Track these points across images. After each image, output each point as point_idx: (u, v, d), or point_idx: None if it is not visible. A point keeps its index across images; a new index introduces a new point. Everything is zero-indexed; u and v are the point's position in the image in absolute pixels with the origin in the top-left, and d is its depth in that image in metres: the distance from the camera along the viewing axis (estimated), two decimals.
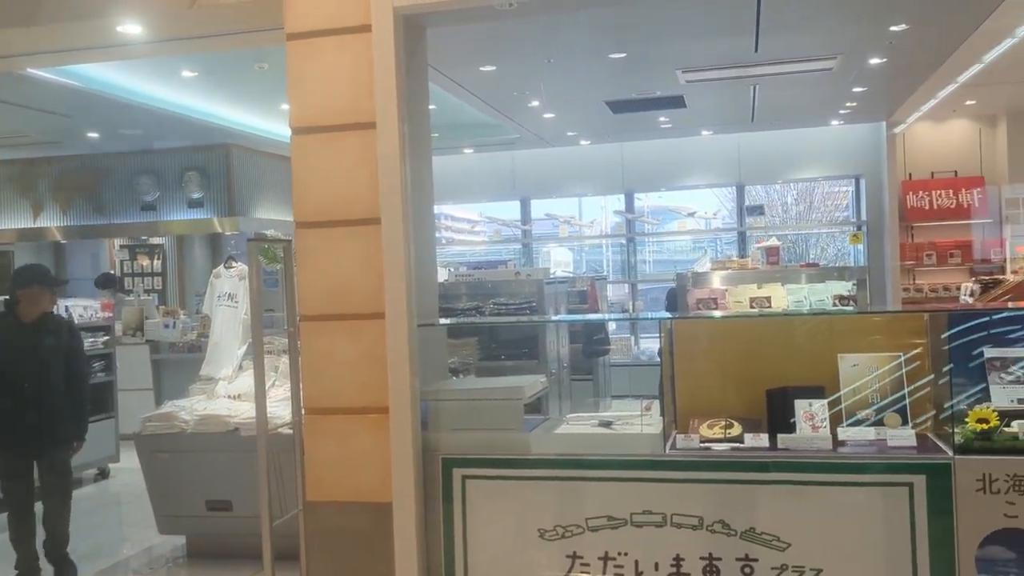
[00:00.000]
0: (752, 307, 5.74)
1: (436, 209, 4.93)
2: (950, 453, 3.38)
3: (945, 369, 3.58)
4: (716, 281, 7.19)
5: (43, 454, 5.32)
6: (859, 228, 12.23)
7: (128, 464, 7.89)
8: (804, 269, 7.73)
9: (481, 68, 7.72)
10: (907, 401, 3.64)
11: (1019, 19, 6.95)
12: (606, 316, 11.18)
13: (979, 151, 11.44)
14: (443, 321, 4.96)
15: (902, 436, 3.52)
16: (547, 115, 10.04)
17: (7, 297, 5.39)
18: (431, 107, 4.40)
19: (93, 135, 10.96)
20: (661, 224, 14.08)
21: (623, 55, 7.57)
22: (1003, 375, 3.57)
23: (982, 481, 3.29)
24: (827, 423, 3.60)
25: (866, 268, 10.97)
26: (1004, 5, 6.44)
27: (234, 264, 7.86)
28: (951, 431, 3.44)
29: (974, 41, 7.44)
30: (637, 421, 4.03)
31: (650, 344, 12.36)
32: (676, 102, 9.49)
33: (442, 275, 8.89)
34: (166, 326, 10.27)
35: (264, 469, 3.92)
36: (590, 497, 3.66)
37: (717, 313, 5.68)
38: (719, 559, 3.51)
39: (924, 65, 8.30)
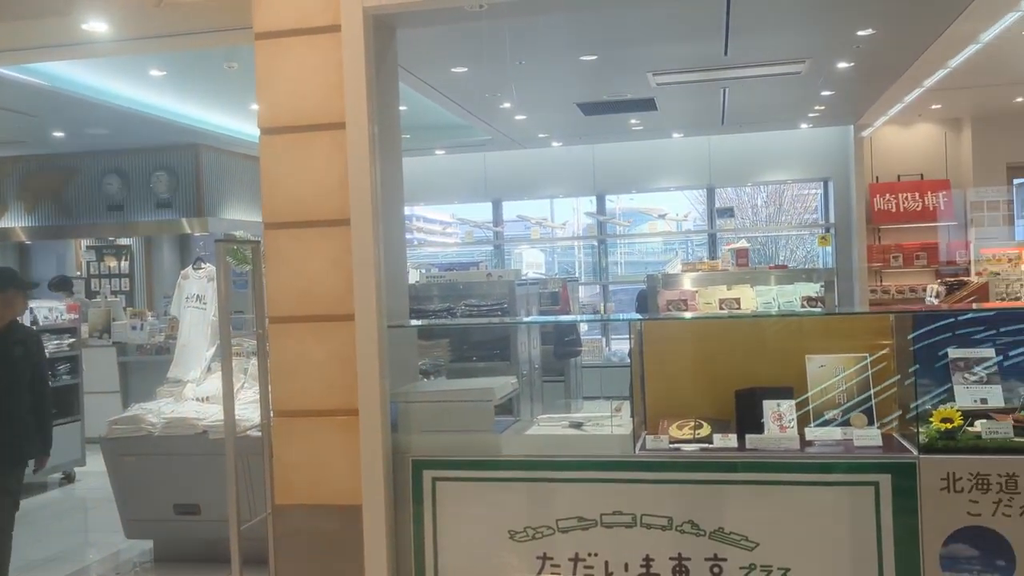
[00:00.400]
0: (722, 308, 5.77)
1: (407, 210, 4.92)
2: (915, 452, 3.41)
3: (910, 370, 3.61)
4: (686, 283, 7.23)
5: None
6: (827, 230, 12.35)
7: (94, 468, 7.81)
8: (773, 271, 7.81)
9: (452, 69, 7.72)
10: (873, 401, 3.67)
11: (983, 25, 7.04)
12: (577, 317, 11.22)
13: (944, 155, 11.59)
14: (413, 322, 4.95)
15: (868, 436, 3.55)
16: (519, 117, 10.06)
17: None
18: (402, 108, 4.39)
19: (59, 134, 10.83)
20: (632, 226, 14.14)
21: (594, 57, 7.60)
22: (967, 375, 3.61)
23: (946, 480, 3.32)
24: (795, 423, 3.62)
25: (834, 270, 11.17)
26: (968, 11, 6.54)
27: (203, 265, 7.79)
28: (916, 431, 3.48)
29: (939, 46, 7.54)
30: (607, 422, 4.04)
31: (621, 345, 12.42)
32: (647, 104, 9.55)
33: (413, 276, 8.86)
34: (133, 328, 10.17)
35: (232, 472, 3.88)
36: (560, 498, 3.65)
37: (687, 314, 5.70)
38: (688, 559, 3.52)
39: (891, 69, 8.41)
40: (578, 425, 4.10)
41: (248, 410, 5.23)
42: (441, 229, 14.66)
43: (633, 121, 10.64)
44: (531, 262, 14.96)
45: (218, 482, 4.57)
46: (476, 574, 3.73)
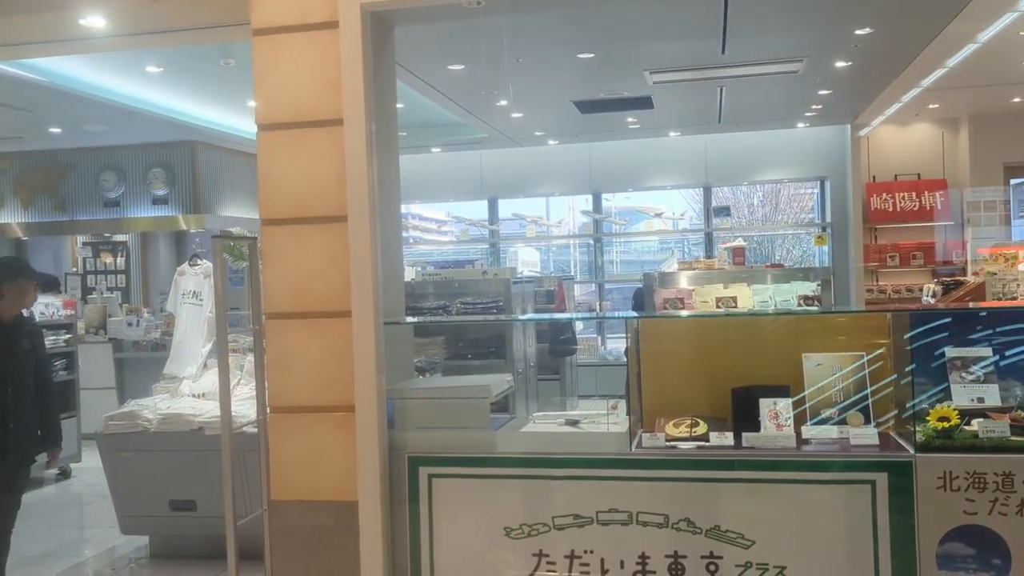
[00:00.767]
0: (718, 307, 5.78)
1: (403, 208, 4.91)
2: (911, 451, 3.41)
3: (907, 369, 3.61)
4: (683, 281, 7.23)
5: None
6: (824, 229, 12.36)
7: (90, 464, 7.81)
8: (769, 269, 7.81)
9: (449, 67, 7.71)
10: (870, 400, 3.67)
11: (981, 25, 7.05)
12: (573, 316, 11.20)
13: (941, 154, 11.60)
14: (409, 320, 4.94)
15: (865, 435, 3.55)
16: (515, 115, 10.05)
17: None
18: (399, 105, 4.38)
19: (55, 130, 10.81)
20: (628, 224, 14.15)
21: (591, 55, 7.59)
22: (964, 374, 3.62)
23: (943, 479, 3.33)
24: (791, 422, 3.62)
25: (830, 269, 11.15)
26: (966, 11, 6.53)
27: (199, 262, 7.78)
28: (913, 429, 3.48)
29: (937, 46, 7.54)
30: (603, 420, 4.02)
31: (617, 344, 12.41)
32: (644, 103, 9.55)
33: (409, 274, 8.85)
34: (129, 324, 10.17)
35: (228, 468, 3.88)
36: (556, 496, 3.65)
37: (683, 313, 5.70)
38: (684, 557, 3.52)
39: (888, 69, 8.41)
40: (574, 423, 4.09)
41: (244, 406, 5.23)
42: (437, 227, 14.65)
43: (630, 119, 10.63)
44: (527, 260, 14.94)
45: (214, 478, 4.58)
46: (472, 571, 3.73)
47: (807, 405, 3.69)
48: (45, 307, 8.38)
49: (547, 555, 3.65)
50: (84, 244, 13.23)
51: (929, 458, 3.36)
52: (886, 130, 11.69)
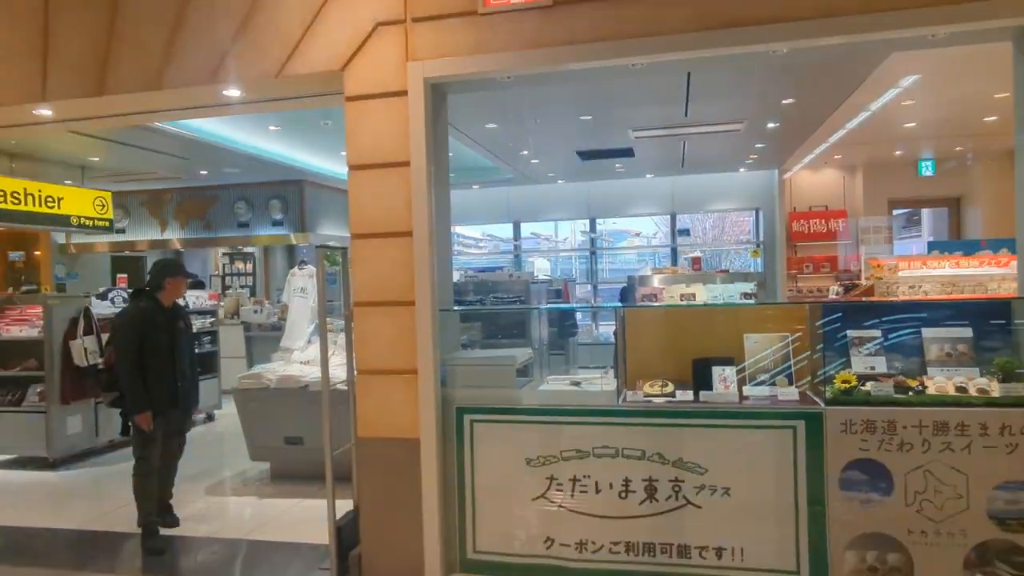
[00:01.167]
0: (681, 301, 5.71)
1: (452, 229, 4.88)
2: (822, 405, 3.39)
3: (819, 346, 3.59)
4: (656, 282, 7.16)
5: (180, 418, 4.80)
6: (758, 246, 12.24)
7: (228, 411, 7.88)
8: (719, 274, 7.73)
9: (486, 125, 7.71)
10: (792, 368, 3.65)
11: (871, 97, 6.99)
12: (575, 307, 11.17)
13: (843, 192, 11.47)
14: (457, 308, 4.95)
15: (789, 393, 3.54)
16: (533, 161, 10.04)
17: (143, 288, 4.72)
18: (450, 153, 4.39)
19: (203, 172, 10.93)
20: (615, 242, 14.06)
21: (590, 117, 7.57)
22: (860, 350, 3.58)
23: (844, 425, 3.30)
24: (735, 384, 3.61)
25: (763, 274, 11.09)
26: (861, 87, 6.48)
27: (305, 266, 7.84)
28: (823, 390, 3.45)
29: (840, 113, 7.48)
30: (598, 382, 4.02)
31: (607, 328, 12.36)
32: (627, 152, 9.51)
33: (456, 276, 8.87)
34: (255, 311, 10.25)
35: (327, 414, 3.91)
36: (563, 435, 3.65)
37: (656, 305, 5.66)
38: (656, 480, 3.51)
39: (805, 129, 8.33)
40: (577, 384, 4.09)
41: (338, 371, 5.20)
42: (475, 243, 14.65)
43: (617, 164, 10.59)
44: (541, 268, 14.89)
45: (316, 421, 4.61)
46: (501, 490, 3.74)
47: (747, 372, 3.68)
48: (196, 298, 8.48)
49: (556, 479, 3.65)
50: (223, 254, 13.37)
51: (835, 410, 3.33)
52: (804, 173, 11.57)
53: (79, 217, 9.59)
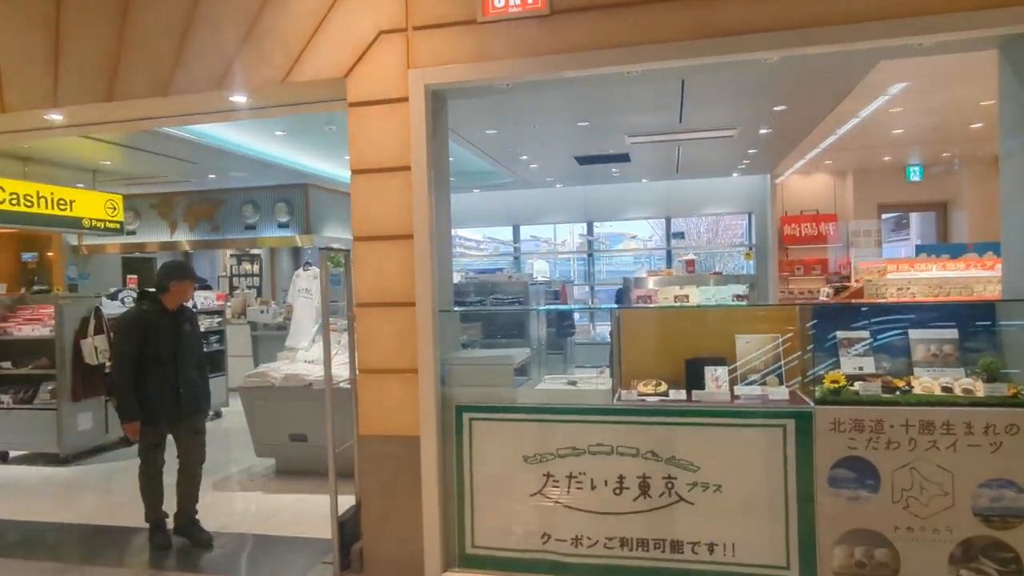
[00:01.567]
0: (675, 302, 5.71)
1: (452, 231, 4.87)
2: (811, 404, 3.38)
3: (809, 347, 3.58)
4: (650, 284, 7.17)
5: (190, 421, 4.50)
6: (750, 249, 12.23)
7: (235, 408, 7.87)
8: (712, 276, 7.74)
9: (486, 131, 7.71)
10: (783, 369, 3.65)
11: (861, 105, 6.98)
12: (572, 307, 11.16)
13: (834, 196, 11.46)
14: (457, 309, 4.94)
15: (779, 393, 3.53)
16: (532, 165, 10.03)
17: (150, 289, 4.58)
18: (451, 158, 4.37)
19: (212, 176, 10.93)
20: (611, 244, 14.06)
21: (587, 124, 7.56)
22: (849, 351, 3.57)
23: (833, 424, 3.29)
24: (727, 383, 3.60)
25: (755, 276, 11.07)
26: (851, 95, 6.47)
27: (310, 267, 7.83)
28: (812, 389, 3.44)
29: (831, 119, 7.46)
30: (594, 381, 4.02)
31: (603, 328, 12.36)
32: (623, 158, 9.50)
33: (456, 277, 8.85)
34: (261, 311, 10.24)
35: (330, 412, 3.91)
36: (560, 433, 3.65)
37: (651, 306, 5.66)
38: (650, 477, 3.50)
39: (797, 135, 8.32)
40: (573, 383, 4.08)
41: (341, 369, 5.21)
42: (476, 245, 14.63)
43: (614, 169, 10.58)
44: (539, 269, 14.87)
45: (320, 419, 4.59)
46: (499, 486, 3.73)
47: (739, 372, 3.67)
48: (204, 299, 8.47)
49: (552, 475, 3.64)
50: (231, 255, 13.36)
51: (824, 409, 3.33)
52: (795, 178, 11.56)
53: (91, 219, 9.58)
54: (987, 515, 3.14)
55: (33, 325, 6.66)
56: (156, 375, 4.34)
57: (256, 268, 13.26)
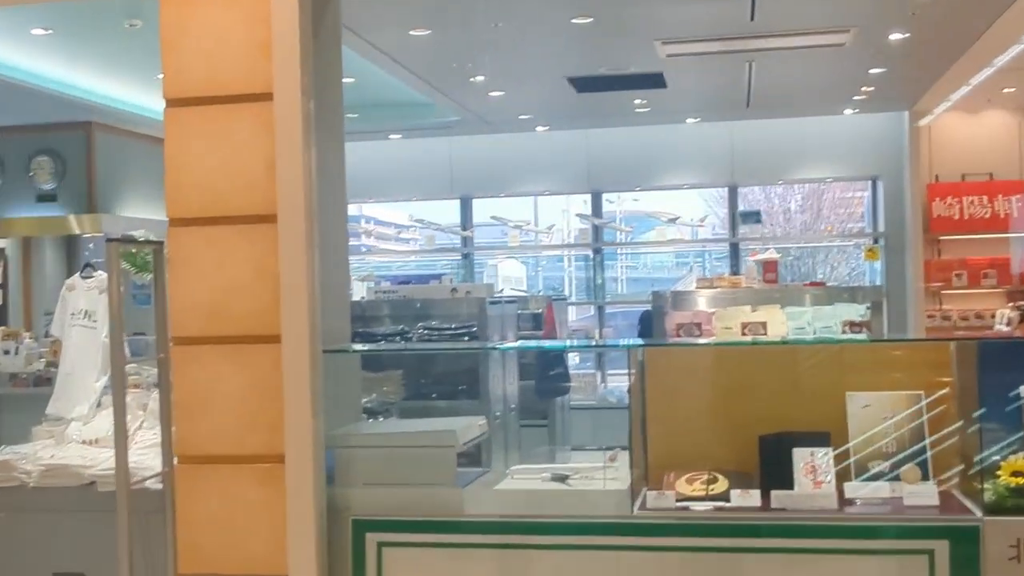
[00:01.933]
0: (744, 334, 5.78)
1: (353, 208, 4.86)
2: (979, 514, 3.41)
3: (975, 413, 3.62)
4: (702, 302, 7.28)
5: None
6: (876, 241, 12.42)
7: None
8: (808, 289, 7.89)
9: (411, 32, 7.71)
10: (929, 451, 3.67)
11: None
12: (566, 345, 11.21)
13: (1019, 149, 11.65)
14: (356, 347, 4.91)
15: (922, 493, 3.55)
16: (494, 93, 10.07)
17: None
18: (346, 79, 4.37)
19: None
20: (636, 232, 14.20)
21: (589, 20, 7.60)
22: None
23: (1016, 547, 3.32)
24: (832, 477, 3.61)
25: (883, 289, 11.23)
26: None
27: (93, 274, 7.72)
28: (980, 487, 3.48)
29: (1012, 16, 7.57)
30: (600, 475, 4.01)
31: (620, 382, 12.40)
32: (654, 81, 9.58)
33: (359, 290, 8.84)
34: (6, 352, 10.05)
35: (125, 533, 3.86)
36: (540, 568, 3.63)
37: (702, 341, 5.71)
38: None
39: (954, 43, 8.45)
40: (562, 478, 4.07)
41: (148, 456, 5.18)
42: (396, 233, 14.68)
43: (637, 101, 10.67)
44: (509, 276, 14.98)
45: (108, 545, 4.53)
46: None
47: (852, 458, 3.68)
48: None
49: None
50: None
51: (1000, 522, 3.36)
52: (952, 119, 11.73)
53: None
54: None
55: None
56: None
57: None
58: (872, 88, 10.30)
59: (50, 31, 8.32)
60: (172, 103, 3.82)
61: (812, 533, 3.48)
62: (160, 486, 4.19)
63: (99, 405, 6.75)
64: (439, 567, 3.72)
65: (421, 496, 3.83)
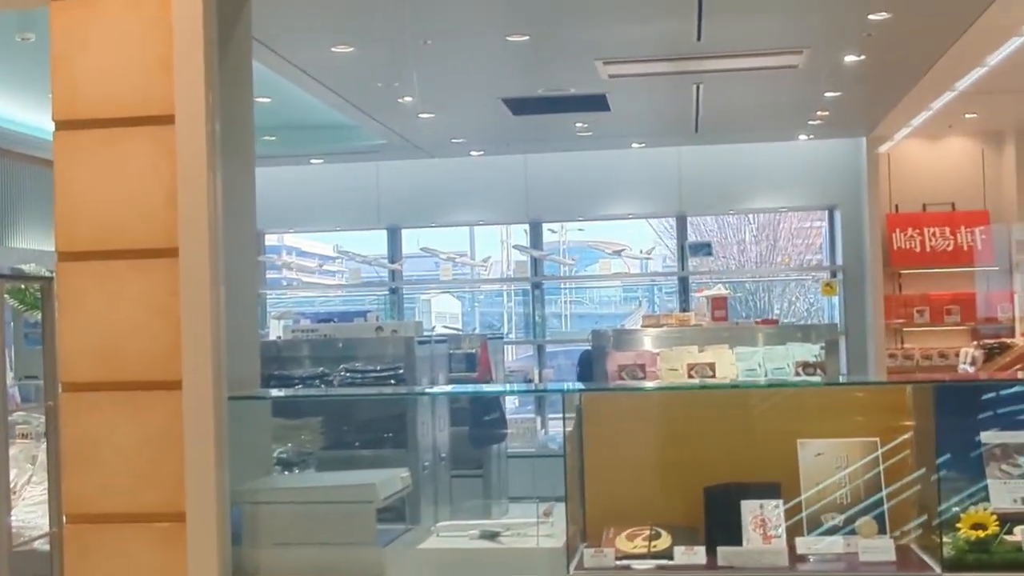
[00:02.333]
0: (691, 376, 5.83)
1: (273, 238, 4.81)
2: (938, 570, 3.43)
3: (936, 462, 3.65)
4: (647, 342, 7.28)
5: None
6: (833, 275, 12.50)
7: None
8: (760, 327, 7.92)
9: (333, 48, 7.69)
10: (886, 503, 3.69)
11: None
12: (501, 389, 11.18)
13: (982, 178, 11.78)
14: (267, 393, 4.86)
15: (879, 548, 3.56)
16: (424, 115, 10.05)
17: None
18: (260, 99, 4.35)
19: None
20: (580, 265, 14.23)
21: (525, 38, 7.62)
22: (1006, 467, 3.65)
23: None
24: (783, 532, 3.62)
25: (840, 327, 11.25)
26: None
27: None
28: (939, 541, 3.50)
29: (973, 37, 7.67)
30: (533, 531, 4.00)
31: (562, 427, 12.36)
32: (597, 103, 9.61)
33: (274, 330, 8.75)
34: None
35: None
36: None
37: (645, 384, 5.72)
38: None
39: (912, 65, 8.55)
40: (492, 536, 4.04)
41: (36, 513, 5.08)
42: (317, 266, 14.54)
43: (579, 125, 10.71)
44: (443, 312, 14.91)
45: None
46: None
47: (804, 512, 3.69)
48: None
49: None
50: None
51: None
52: (912, 146, 11.87)
53: None
54: None
55: None
56: None
57: None
58: (827, 112, 10.38)
59: None
60: (62, 125, 3.77)
61: None
62: (48, 548, 4.09)
63: None
64: None
65: (337, 557, 3.81)
